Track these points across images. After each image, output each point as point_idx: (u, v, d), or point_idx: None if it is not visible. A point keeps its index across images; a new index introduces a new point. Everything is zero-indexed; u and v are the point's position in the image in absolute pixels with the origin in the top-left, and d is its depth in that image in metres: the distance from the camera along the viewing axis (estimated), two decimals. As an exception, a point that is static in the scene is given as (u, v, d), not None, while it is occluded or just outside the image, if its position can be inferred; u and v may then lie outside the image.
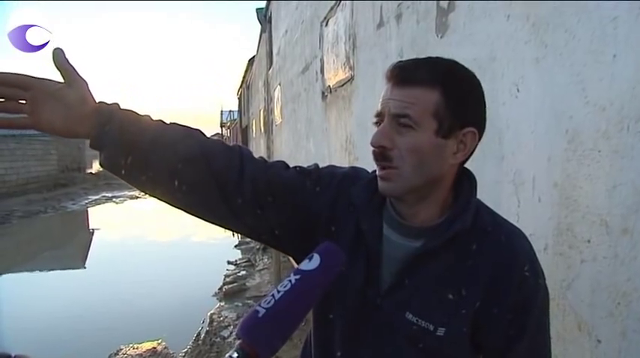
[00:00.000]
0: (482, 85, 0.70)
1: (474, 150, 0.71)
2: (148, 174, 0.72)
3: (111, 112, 0.69)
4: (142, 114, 0.74)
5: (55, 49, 0.67)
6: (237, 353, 0.53)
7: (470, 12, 1.50)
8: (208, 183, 0.72)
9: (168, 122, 0.75)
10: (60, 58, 0.66)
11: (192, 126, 0.76)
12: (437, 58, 0.71)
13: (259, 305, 0.57)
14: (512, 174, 1.25)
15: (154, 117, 0.75)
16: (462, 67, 0.71)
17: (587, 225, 0.97)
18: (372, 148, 0.68)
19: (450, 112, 0.65)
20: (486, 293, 0.68)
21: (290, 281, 0.60)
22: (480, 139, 0.70)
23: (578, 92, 0.99)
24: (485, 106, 0.71)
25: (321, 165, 0.85)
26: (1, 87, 0.64)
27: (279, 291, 0.58)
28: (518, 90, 1.23)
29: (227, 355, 0.53)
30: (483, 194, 1.35)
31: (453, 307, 0.69)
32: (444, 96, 0.65)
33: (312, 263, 0.63)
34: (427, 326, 0.69)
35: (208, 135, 0.81)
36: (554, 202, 1.08)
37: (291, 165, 0.82)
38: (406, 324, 0.70)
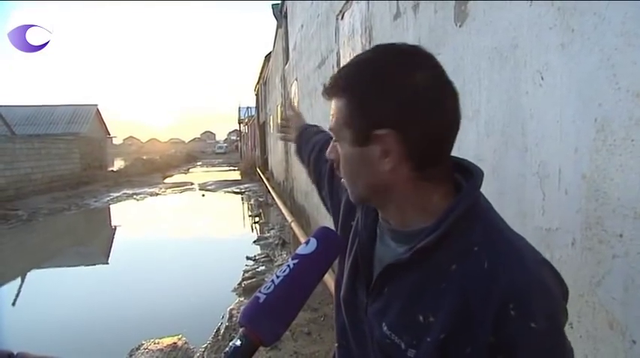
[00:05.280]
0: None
1: (432, 153, 0.62)
2: (303, 155, 1.19)
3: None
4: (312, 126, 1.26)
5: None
6: (241, 340, 0.53)
7: (490, -1, 1.44)
8: (314, 171, 1.10)
9: (322, 132, 1.18)
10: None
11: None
12: (359, 57, 0.66)
13: (259, 292, 0.57)
14: (537, 166, 1.20)
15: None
16: (380, 62, 0.63)
17: (618, 218, 0.92)
18: None
19: (358, 118, 0.62)
20: (453, 327, 0.57)
21: (288, 266, 0.60)
22: (421, 141, 0.60)
23: (608, 78, 0.93)
24: (416, 103, 0.60)
25: None
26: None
27: (278, 277, 0.58)
28: (542, 78, 1.18)
29: (231, 343, 0.52)
30: (506, 187, 1.31)
31: (421, 331, 0.60)
32: (352, 102, 0.62)
33: (309, 247, 0.63)
34: (399, 342, 0.62)
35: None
36: (582, 195, 1.03)
37: None
38: (382, 336, 0.65)
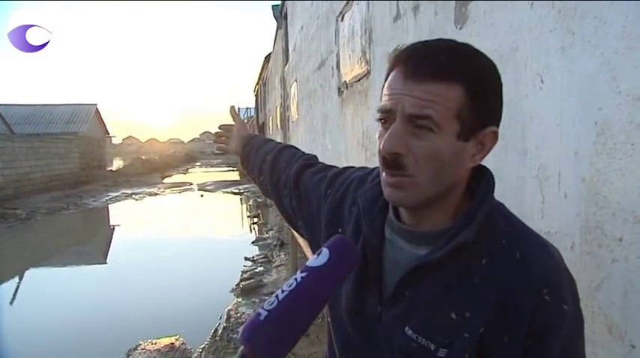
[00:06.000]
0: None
1: None
2: (252, 166, 1.08)
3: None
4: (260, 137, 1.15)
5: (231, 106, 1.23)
6: None
7: (490, 1, 1.44)
8: (270, 180, 1.00)
9: (271, 141, 1.11)
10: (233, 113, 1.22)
11: (281, 143, 1.09)
12: (452, 42, 0.62)
13: (262, 308, 0.52)
14: (537, 169, 1.20)
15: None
16: (481, 54, 0.62)
17: (618, 222, 0.92)
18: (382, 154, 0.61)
19: (474, 112, 0.58)
20: (492, 319, 0.59)
21: (296, 279, 0.54)
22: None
23: (608, 81, 0.93)
24: (502, 99, 0.63)
25: (339, 162, 0.92)
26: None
27: (283, 291, 0.53)
28: (542, 81, 1.17)
29: None
30: (506, 190, 1.30)
31: (455, 328, 0.60)
32: (468, 94, 0.57)
33: (320, 258, 0.57)
34: (428, 344, 0.61)
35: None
36: (582, 198, 1.03)
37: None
38: (405, 340, 0.63)
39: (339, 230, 0.76)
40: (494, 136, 0.62)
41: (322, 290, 0.55)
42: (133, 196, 14.36)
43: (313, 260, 0.57)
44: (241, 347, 0.50)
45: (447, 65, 0.57)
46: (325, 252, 0.57)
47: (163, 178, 21.80)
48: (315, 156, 0.99)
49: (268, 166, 1.00)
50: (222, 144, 1.21)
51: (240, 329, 0.52)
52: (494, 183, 0.66)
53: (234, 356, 0.52)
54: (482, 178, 0.66)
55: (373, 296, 0.68)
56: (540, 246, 0.62)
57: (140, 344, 3.82)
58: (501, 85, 0.62)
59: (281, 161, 0.98)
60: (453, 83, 0.56)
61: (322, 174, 0.88)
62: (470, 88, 0.57)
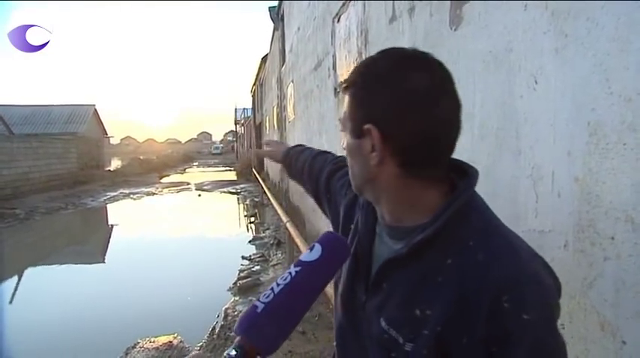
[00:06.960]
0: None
1: (421, 152, 0.62)
2: (295, 175, 1.20)
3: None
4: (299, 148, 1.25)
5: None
6: (236, 350, 0.51)
7: (485, 2, 1.46)
8: (310, 187, 1.10)
9: (307, 149, 1.21)
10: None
11: (314, 151, 1.18)
12: (369, 57, 0.70)
13: (258, 300, 0.55)
14: (530, 168, 1.21)
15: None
16: (381, 62, 0.66)
17: (610, 221, 0.93)
18: None
19: (355, 111, 0.67)
20: (450, 319, 0.59)
21: (290, 273, 0.57)
22: (406, 140, 0.62)
23: (601, 82, 0.95)
24: (405, 103, 0.61)
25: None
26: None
27: (278, 285, 0.56)
28: (536, 82, 1.19)
29: (225, 353, 0.51)
30: (500, 189, 1.32)
31: (418, 325, 0.61)
32: (352, 96, 0.67)
33: (313, 253, 0.60)
34: (397, 337, 0.63)
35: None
36: (575, 197, 1.05)
37: None
38: (380, 331, 0.66)
39: (352, 226, 0.82)
40: (375, 134, 0.63)
41: (315, 283, 0.59)
42: (131, 196, 14.32)
43: (306, 255, 0.60)
44: (237, 338, 0.52)
45: (348, 79, 0.69)
46: (318, 247, 0.61)
47: (161, 178, 21.75)
48: (344, 158, 1.02)
49: (307, 175, 1.12)
50: (270, 154, 1.37)
51: (237, 321, 0.54)
52: (475, 181, 0.66)
53: (230, 348, 0.53)
54: (465, 176, 0.67)
55: (361, 287, 0.73)
56: (509, 249, 0.60)
57: (138, 343, 3.81)
58: (399, 85, 0.62)
59: (315, 169, 1.08)
60: (347, 91, 0.69)
61: (346, 178, 0.92)
62: (354, 92, 0.67)
